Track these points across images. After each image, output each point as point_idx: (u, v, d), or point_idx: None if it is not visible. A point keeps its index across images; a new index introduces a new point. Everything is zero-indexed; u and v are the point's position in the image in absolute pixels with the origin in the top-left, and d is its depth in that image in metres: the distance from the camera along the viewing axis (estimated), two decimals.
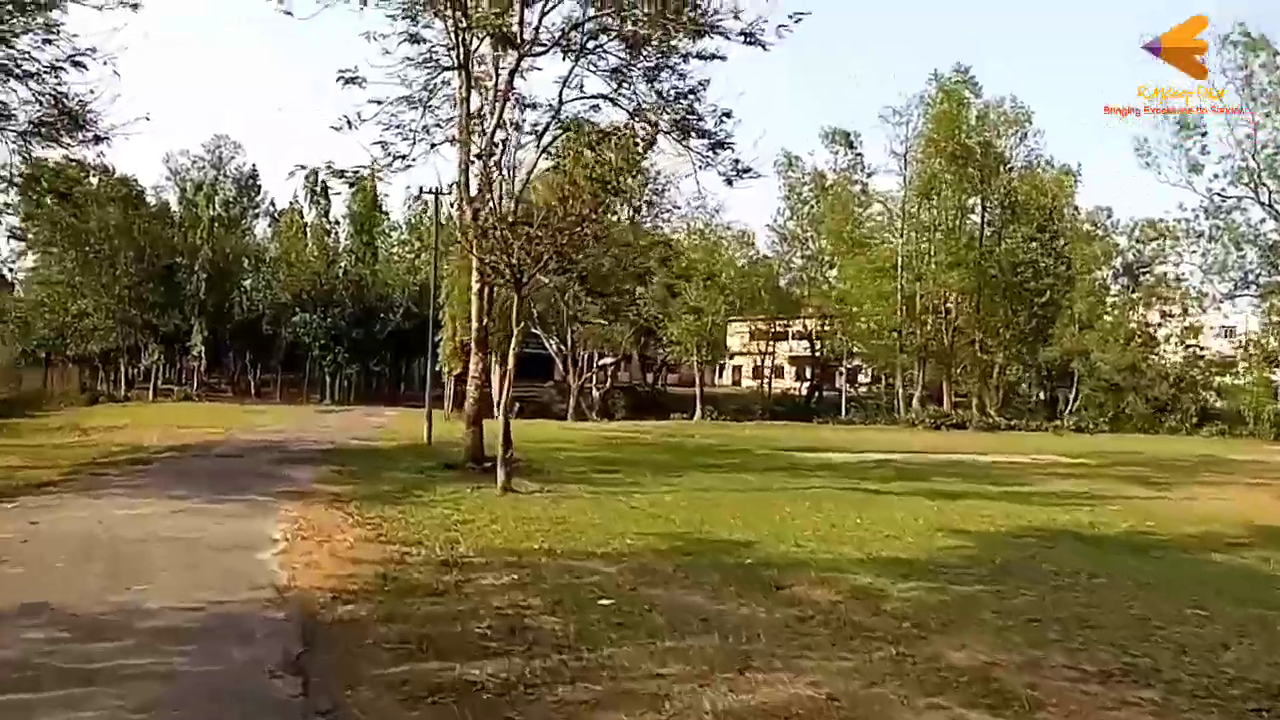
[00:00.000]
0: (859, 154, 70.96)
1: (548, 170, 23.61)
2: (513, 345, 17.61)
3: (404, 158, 21.49)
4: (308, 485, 17.22)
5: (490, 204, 20.09)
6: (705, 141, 21.85)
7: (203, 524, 12.32)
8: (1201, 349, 55.05)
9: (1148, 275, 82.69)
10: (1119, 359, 53.18)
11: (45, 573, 9.18)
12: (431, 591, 8.92)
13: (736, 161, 21.83)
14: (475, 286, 20.89)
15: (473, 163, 20.49)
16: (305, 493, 16.04)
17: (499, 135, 20.31)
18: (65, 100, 22.78)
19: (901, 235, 50.54)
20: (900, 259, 50.70)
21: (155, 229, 62.48)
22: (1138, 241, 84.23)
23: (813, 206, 71.85)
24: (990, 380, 49.60)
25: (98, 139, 23.21)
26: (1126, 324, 57.24)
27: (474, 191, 20.48)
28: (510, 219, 16.41)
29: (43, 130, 23.21)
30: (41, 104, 22.61)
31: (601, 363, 66.55)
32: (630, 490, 17.50)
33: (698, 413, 54.86)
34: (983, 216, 49.88)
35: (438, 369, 57.14)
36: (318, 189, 78.94)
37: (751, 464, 24.66)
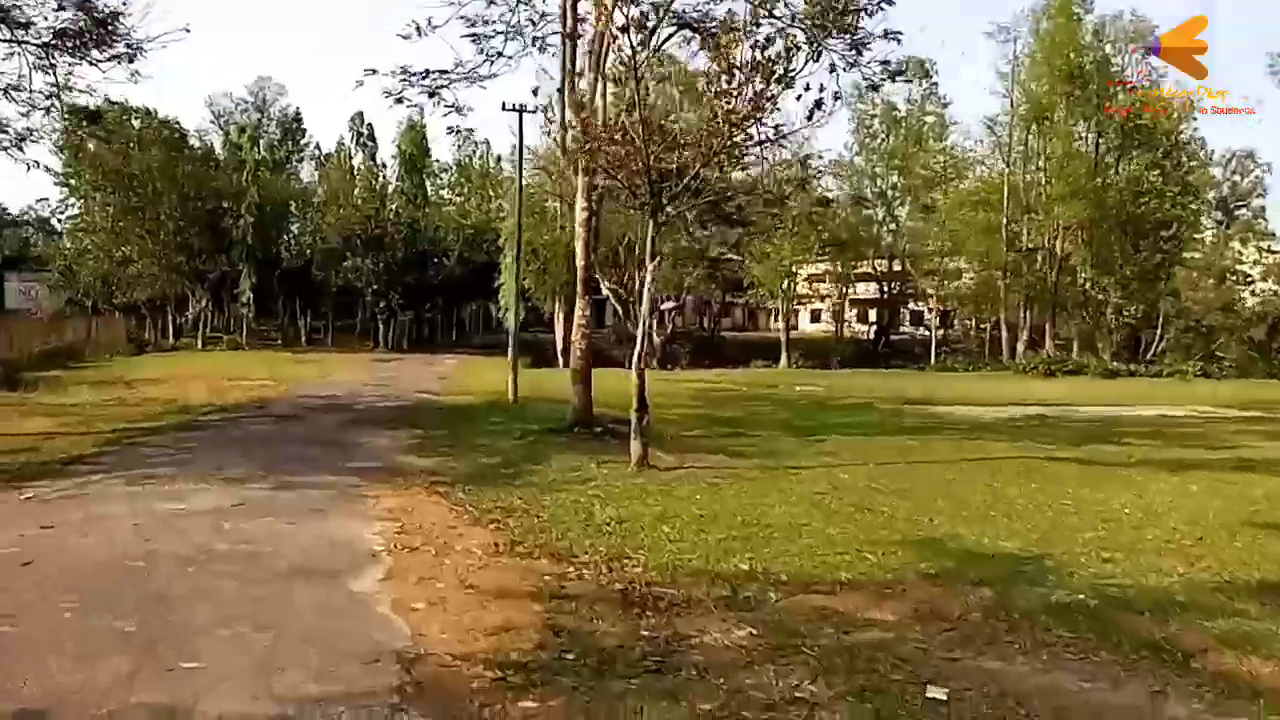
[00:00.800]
0: (934, 83, 66.40)
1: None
2: (648, 283, 13.93)
3: (499, 56, 17.82)
4: (391, 459, 14.02)
5: (603, 110, 16.45)
6: (845, 39, 17.90)
7: (272, 527, 9.09)
8: None
9: (1244, 209, 77.11)
10: (1213, 298, 48.61)
11: (44, 633, 5.94)
12: (636, 662, 5.60)
13: (886, 63, 17.96)
14: (581, 215, 17.36)
15: (590, 53, 16.79)
16: (392, 470, 12.83)
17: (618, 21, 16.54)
18: (93, 5, 19.63)
19: (1008, 164, 45.91)
20: (1007, 189, 46.09)
21: (199, 172, 59.61)
22: (1234, 174, 78.57)
23: (884, 140, 67.28)
24: (1103, 322, 45.28)
25: (131, 54, 20.02)
26: (1220, 261, 52.57)
27: (586, 95, 16.80)
28: (644, 121, 12.74)
29: (68, 41, 20.05)
30: (65, 7, 19.44)
31: (665, 306, 62.97)
32: (786, 464, 14.06)
33: (783, 359, 51.15)
34: (1097, 144, 44.99)
35: (501, 316, 54.22)
36: (364, 131, 76.21)
37: (890, 422, 21.09)
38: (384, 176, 68.40)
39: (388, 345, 63.43)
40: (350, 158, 70.96)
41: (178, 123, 60.97)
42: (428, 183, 73.98)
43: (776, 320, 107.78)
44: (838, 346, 62.46)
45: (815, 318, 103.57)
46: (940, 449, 16.36)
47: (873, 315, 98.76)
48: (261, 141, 73.12)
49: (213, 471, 12.10)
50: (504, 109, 22.79)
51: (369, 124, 75.83)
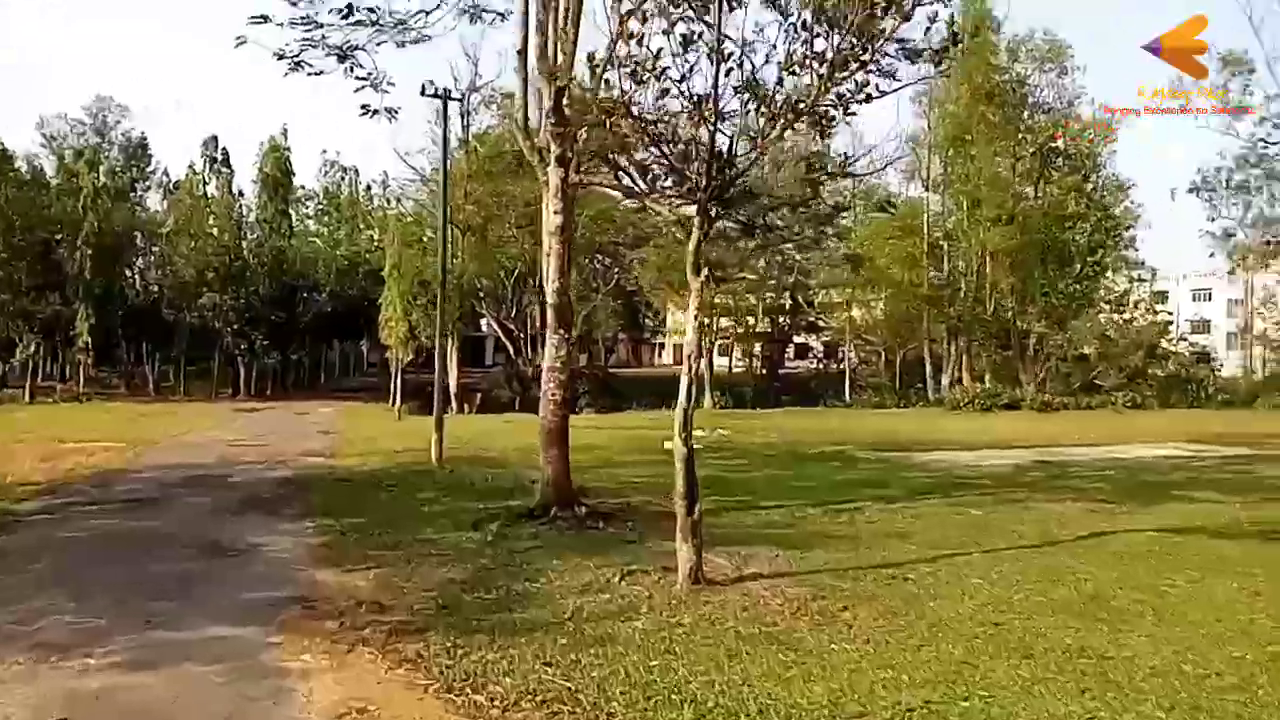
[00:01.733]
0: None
1: None
2: (692, 310, 9.66)
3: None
4: (306, 576, 9.49)
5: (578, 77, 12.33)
6: None
7: None
8: (1169, 315, 50.97)
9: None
10: (1092, 326, 48.05)
11: None
12: None
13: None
14: (553, 220, 13.07)
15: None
16: (313, 604, 8.34)
17: None
18: None
19: (928, 188, 44.06)
20: (928, 216, 44.09)
21: (24, 198, 52.31)
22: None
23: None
24: (1028, 353, 43.65)
25: None
26: (1096, 289, 52.36)
27: (559, 59, 12.58)
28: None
29: None
30: None
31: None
32: (872, 561, 10.14)
33: (707, 399, 47.42)
34: (1014, 167, 43.49)
35: (385, 356, 48.98)
36: (218, 156, 69.80)
37: (896, 479, 17.55)
38: (243, 204, 62.20)
39: (250, 391, 57.08)
40: (204, 183, 64.41)
41: None
42: (293, 211, 67.87)
43: (660, 355, 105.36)
44: (753, 383, 59.72)
45: (723, 352, 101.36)
46: (1013, 520, 12.83)
47: (756, 349, 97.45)
48: (101, 167, 65.74)
49: (21, 632, 7.38)
50: (424, 94, 18.30)
51: (224, 149, 69.54)
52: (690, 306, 9.59)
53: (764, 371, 75.76)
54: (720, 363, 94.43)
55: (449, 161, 45.11)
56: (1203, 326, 72.84)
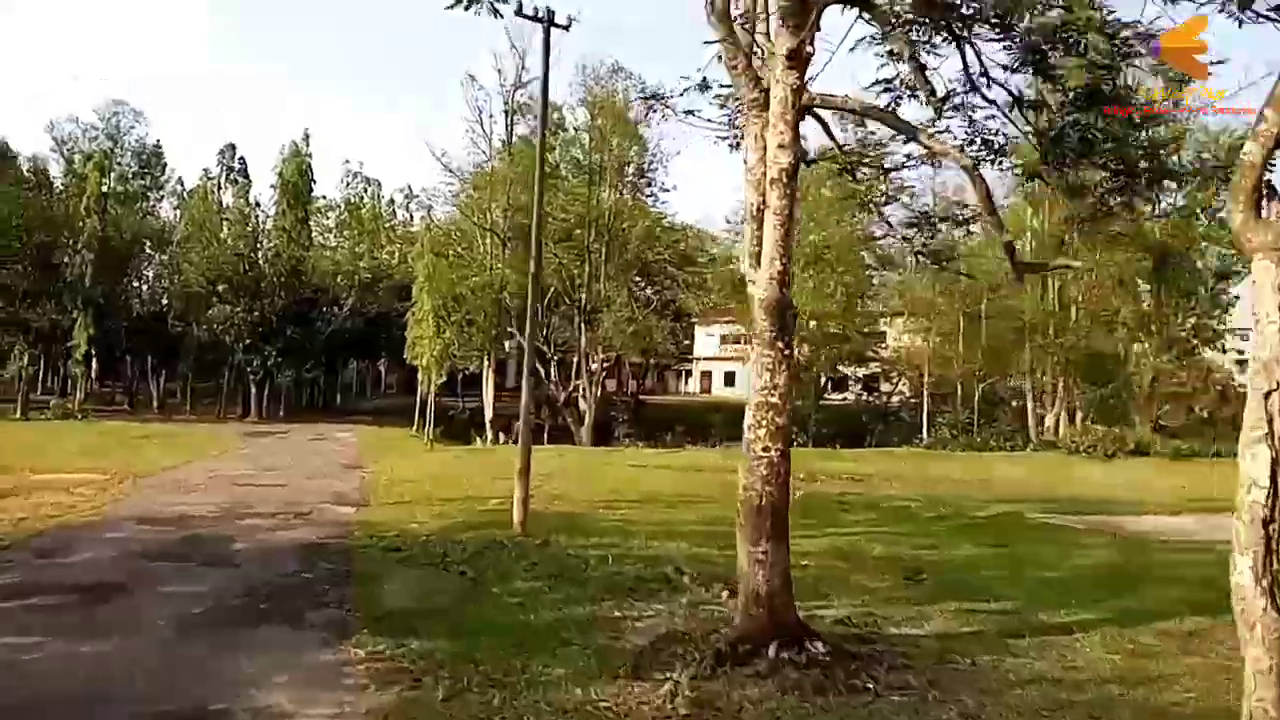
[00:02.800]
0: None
1: None
2: None
3: None
4: None
5: None
6: None
7: None
8: None
9: None
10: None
11: None
12: None
13: None
14: (777, 161, 7.87)
15: None
16: None
17: None
18: None
19: (1028, 198, 38.97)
20: (1030, 229, 38.97)
21: (18, 194, 47.95)
22: None
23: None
24: (1139, 390, 38.44)
25: None
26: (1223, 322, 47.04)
27: None
28: None
29: None
30: None
31: (589, 368, 53.76)
32: None
33: None
34: None
35: (420, 376, 44.45)
36: (235, 166, 65.76)
37: (1185, 568, 12.53)
38: (259, 211, 57.75)
39: (261, 412, 52.34)
40: (219, 188, 60.17)
41: None
42: (312, 221, 63.43)
43: (685, 382, 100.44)
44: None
45: (730, 380, 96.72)
46: None
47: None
48: (112, 174, 61.70)
49: None
50: (519, 14, 13.48)
51: (241, 157, 65.40)
52: None
53: (805, 401, 70.88)
54: (731, 392, 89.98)
55: (490, 163, 40.83)
56: None
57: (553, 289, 47.83)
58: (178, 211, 65.13)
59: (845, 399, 72.48)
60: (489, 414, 42.88)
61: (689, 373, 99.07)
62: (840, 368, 72.94)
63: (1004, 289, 38.28)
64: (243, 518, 14.52)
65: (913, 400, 61.60)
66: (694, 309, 57.23)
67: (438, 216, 50.33)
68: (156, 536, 12.61)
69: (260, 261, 52.03)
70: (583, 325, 45.58)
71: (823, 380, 72.05)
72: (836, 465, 28.78)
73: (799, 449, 38.11)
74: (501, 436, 43.11)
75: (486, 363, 43.70)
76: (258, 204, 59.12)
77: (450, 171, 45.52)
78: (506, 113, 44.87)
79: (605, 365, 55.54)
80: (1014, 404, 41.84)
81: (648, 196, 48.87)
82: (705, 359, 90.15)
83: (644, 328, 44.92)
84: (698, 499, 18.34)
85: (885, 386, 70.78)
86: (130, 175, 66.88)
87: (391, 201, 79.78)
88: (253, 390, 52.60)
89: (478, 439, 44.27)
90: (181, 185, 69.73)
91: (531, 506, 15.77)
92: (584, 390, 50.95)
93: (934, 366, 44.83)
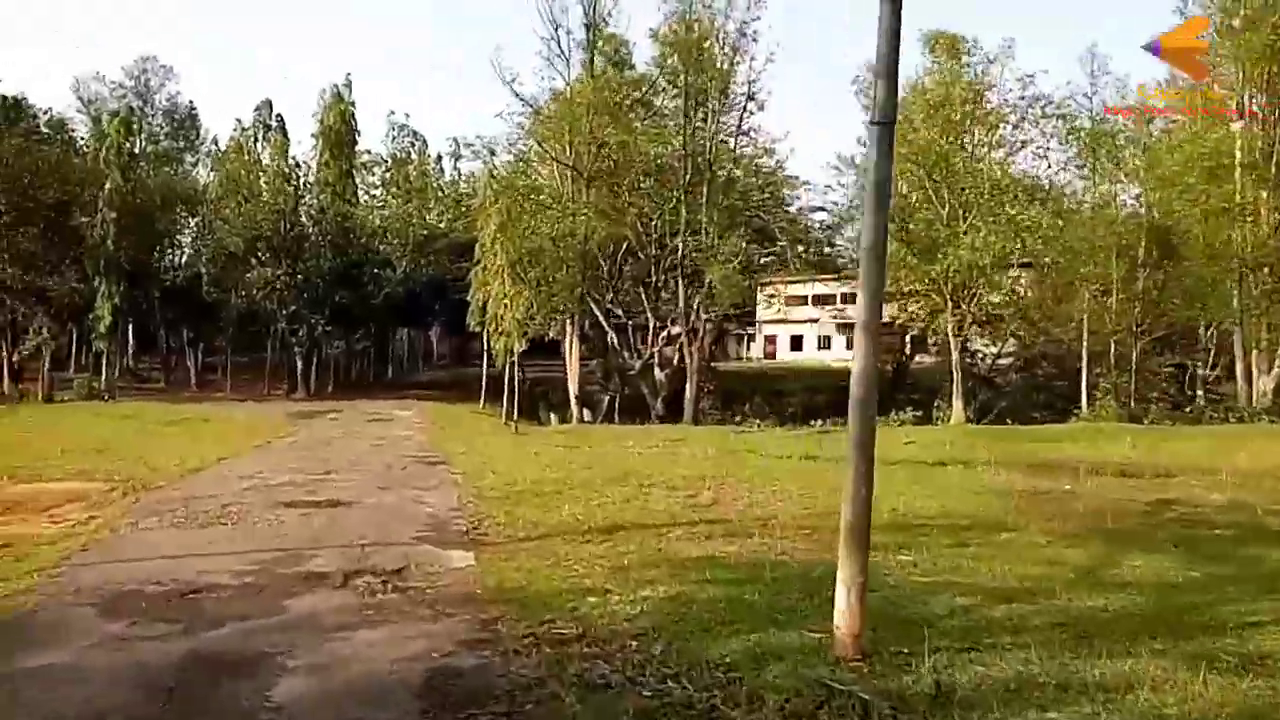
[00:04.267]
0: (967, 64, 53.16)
1: None
2: None
3: None
4: None
5: None
6: None
7: None
8: None
9: None
10: None
11: None
12: None
13: None
14: None
15: None
16: None
17: None
18: None
19: (1243, 114, 31.45)
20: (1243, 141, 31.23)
21: (32, 149, 42.33)
22: None
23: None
24: None
25: None
26: None
27: None
28: None
29: None
30: None
31: (671, 331, 47.27)
32: None
33: (956, 409, 34.84)
34: None
35: (491, 346, 38.50)
36: (272, 124, 59.94)
37: None
38: (301, 164, 51.68)
39: (308, 389, 46.60)
40: (254, 139, 54.32)
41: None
42: (357, 177, 57.34)
43: (747, 348, 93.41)
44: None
45: (797, 345, 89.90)
46: None
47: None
48: (141, 134, 56.37)
49: None
50: None
51: (279, 114, 59.54)
52: None
53: (891, 369, 63.96)
54: (819, 356, 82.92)
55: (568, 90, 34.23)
56: None
57: (625, 244, 41.35)
58: (213, 175, 59.61)
59: (921, 361, 65.58)
60: (573, 388, 36.68)
61: (751, 337, 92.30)
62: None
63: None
64: (292, 588, 8.28)
65: (1018, 364, 54.36)
66: (796, 264, 50.50)
67: (501, 162, 43.74)
68: (121, 662, 6.38)
69: (303, 219, 46.11)
70: (680, 281, 39.03)
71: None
72: (1057, 450, 22.19)
73: (974, 427, 31.27)
74: (587, 415, 36.99)
75: (570, 327, 37.42)
76: (297, 164, 53.14)
77: (522, 100, 38.63)
78: (587, 26, 37.97)
79: (680, 332, 49.02)
80: (1237, 367, 34.10)
81: (745, 134, 42.00)
82: (770, 321, 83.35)
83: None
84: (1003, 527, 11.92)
85: (981, 345, 63.73)
86: (161, 135, 61.67)
87: (439, 158, 73.91)
88: (298, 364, 46.81)
89: (552, 416, 38.16)
90: (217, 146, 64.32)
91: (750, 548, 9.62)
92: (658, 358, 44.62)
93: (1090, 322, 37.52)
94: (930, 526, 11.65)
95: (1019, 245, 30.52)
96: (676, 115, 39.63)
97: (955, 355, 32.40)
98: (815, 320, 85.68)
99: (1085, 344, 36.86)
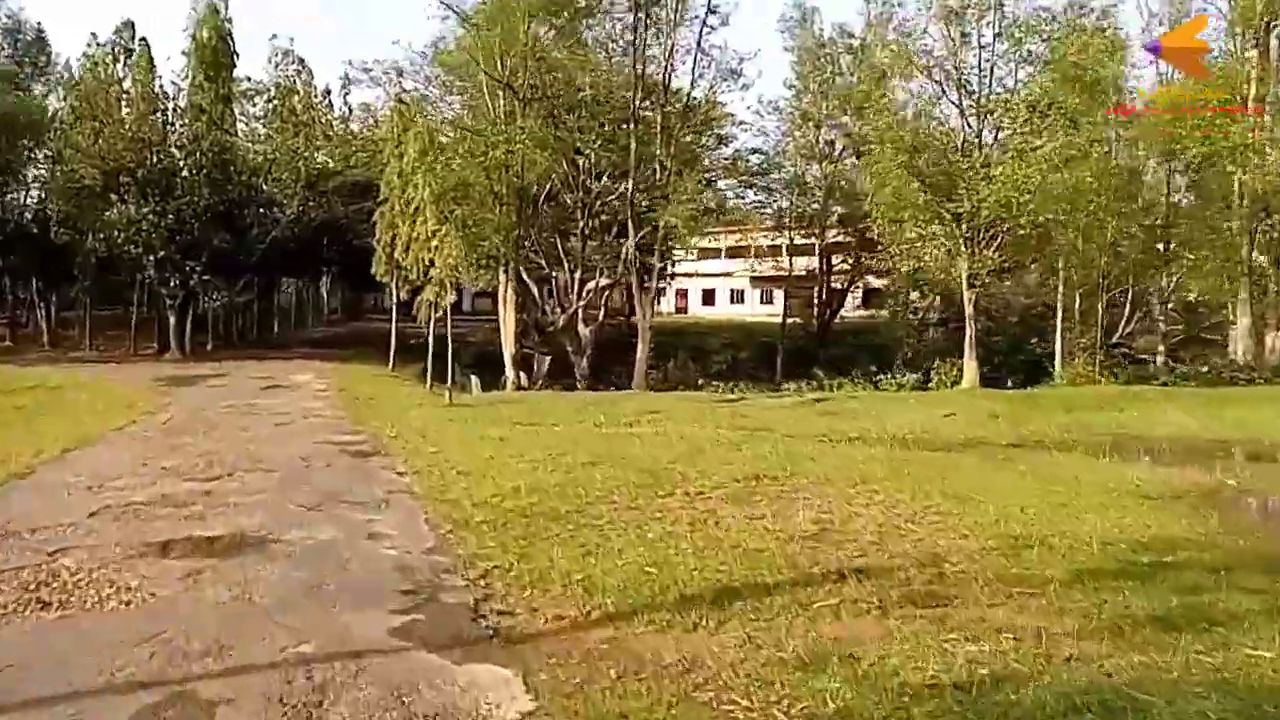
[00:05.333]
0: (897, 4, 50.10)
1: None
2: None
3: None
4: None
5: None
6: None
7: None
8: None
9: None
10: None
11: None
12: None
13: None
14: None
15: None
16: None
17: None
18: None
19: (1262, 45, 28.21)
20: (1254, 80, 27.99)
21: None
22: None
23: (838, 75, 50.38)
24: None
25: None
26: None
27: None
28: None
29: None
30: None
31: (599, 284, 42.77)
32: None
33: (970, 374, 29.81)
34: None
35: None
36: (133, 48, 52.07)
37: None
38: (171, 89, 44.53)
39: (182, 348, 40.20)
40: (114, 60, 46.73)
41: None
42: (236, 107, 50.13)
43: (658, 301, 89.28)
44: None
45: (709, 299, 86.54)
46: None
47: (775, 294, 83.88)
48: None
49: None
50: None
51: (144, 38, 51.58)
52: None
53: (820, 321, 60.89)
54: (734, 310, 79.39)
55: None
56: None
57: (548, 183, 36.31)
58: (65, 100, 51.53)
59: (843, 317, 62.93)
60: (510, 349, 31.72)
61: (662, 290, 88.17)
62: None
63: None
64: None
65: (947, 315, 51.86)
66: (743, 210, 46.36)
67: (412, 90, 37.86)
68: None
69: (173, 149, 39.37)
70: (630, 225, 34.21)
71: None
72: (1116, 421, 18.59)
73: (994, 392, 27.26)
74: (522, 378, 32.09)
75: (504, 276, 32.26)
76: (163, 89, 45.76)
77: (445, 4, 32.51)
78: None
79: (609, 284, 44.49)
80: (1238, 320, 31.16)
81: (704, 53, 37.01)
82: (680, 274, 79.45)
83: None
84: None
85: (915, 298, 61.29)
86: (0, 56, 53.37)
87: (327, 91, 66.65)
88: (170, 318, 40.28)
89: (472, 380, 33.15)
90: (70, 73, 55.94)
91: (1004, 647, 5.26)
92: (581, 313, 40.02)
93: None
94: (1178, 568, 7.57)
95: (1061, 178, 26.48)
96: (625, 32, 34.59)
97: (970, 309, 28.57)
98: (729, 274, 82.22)
99: (1061, 298, 33.65)
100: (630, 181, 33.77)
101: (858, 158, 53.35)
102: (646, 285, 36.23)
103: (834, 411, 20.06)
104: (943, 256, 28.26)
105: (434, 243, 22.32)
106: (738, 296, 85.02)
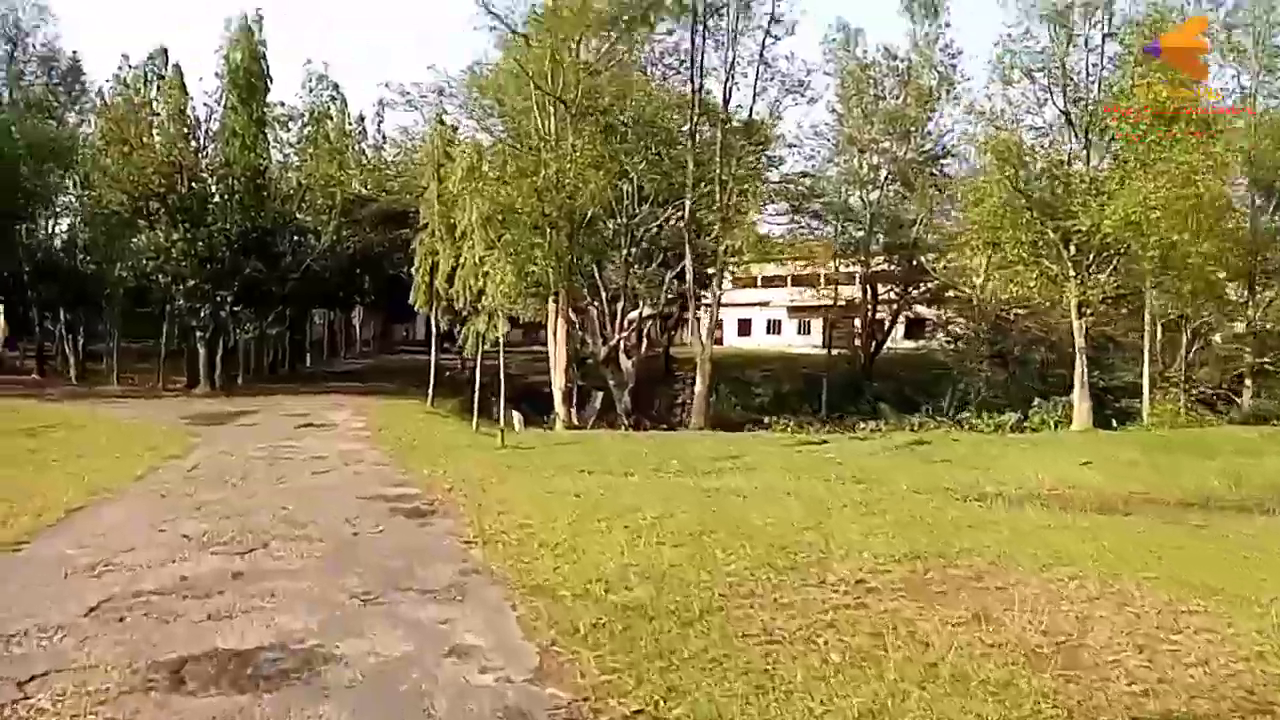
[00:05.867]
0: (945, 25, 48.27)
1: None
2: None
3: None
4: None
5: None
6: None
7: None
8: None
9: None
10: None
11: None
12: None
13: None
14: None
15: None
16: None
17: None
18: None
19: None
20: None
21: None
22: None
23: (879, 99, 48.60)
24: None
25: None
26: None
27: None
28: None
29: None
30: None
31: (637, 313, 40.74)
32: None
33: (1081, 414, 26.25)
34: None
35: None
36: (164, 75, 50.87)
37: None
38: (204, 111, 43.02)
39: (213, 382, 38.41)
40: (145, 82, 45.41)
41: None
42: (268, 133, 48.57)
43: (681, 333, 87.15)
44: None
45: (745, 330, 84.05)
46: None
47: (815, 325, 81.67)
48: (10, 76, 47.60)
49: None
50: None
51: (176, 64, 50.38)
52: None
53: (865, 353, 58.40)
54: (771, 340, 76.91)
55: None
56: None
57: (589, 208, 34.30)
58: (96, 124, 50.43)
59: (893, 348, 60.59)
60: (560, 382, 29.57)
61: (697, 320, 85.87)
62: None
63: None
64: None
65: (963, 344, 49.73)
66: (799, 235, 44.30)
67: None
68: None
69: (203, 172, 37.76)
70: (689, 245, 32.09)
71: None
72: (1248, 467, 16.10)
73: (1117, 434, 24.25)
74: (573, 415, 29.90)
75: (554, 305, 30.16)
76: (198, 119, 44.28)
77: (494, 15, 30.34)
78: None
79: (651, 315, 42.51)
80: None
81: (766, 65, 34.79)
82: (709, 304, 77.32)
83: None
84: None
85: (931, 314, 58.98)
86: (35, 83, 52.63)
87: (361, 118, 65.45)
88: (200, 351, 38.48)
89: (515, 417, 30.93)
90: (102, 98, 54.97)
91: None
92: (624, 345, 37.94)
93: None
94: None
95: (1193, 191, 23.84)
96: (670, 51, 32.66)
97: (1080, 340, 26.00)
98: (765, 303, 79.93)
99: (1148, 327, 30.90)
100: (688, 203, 31.66)
101: (903, 184, 51.40)
102: (701, 315, 33.99)
103: (943, 459, 17.67)
104: (1047, 283, 25.67)
105: (485, 268, 20.23)
106: (774, 327, 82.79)
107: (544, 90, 28.96)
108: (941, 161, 51.76)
